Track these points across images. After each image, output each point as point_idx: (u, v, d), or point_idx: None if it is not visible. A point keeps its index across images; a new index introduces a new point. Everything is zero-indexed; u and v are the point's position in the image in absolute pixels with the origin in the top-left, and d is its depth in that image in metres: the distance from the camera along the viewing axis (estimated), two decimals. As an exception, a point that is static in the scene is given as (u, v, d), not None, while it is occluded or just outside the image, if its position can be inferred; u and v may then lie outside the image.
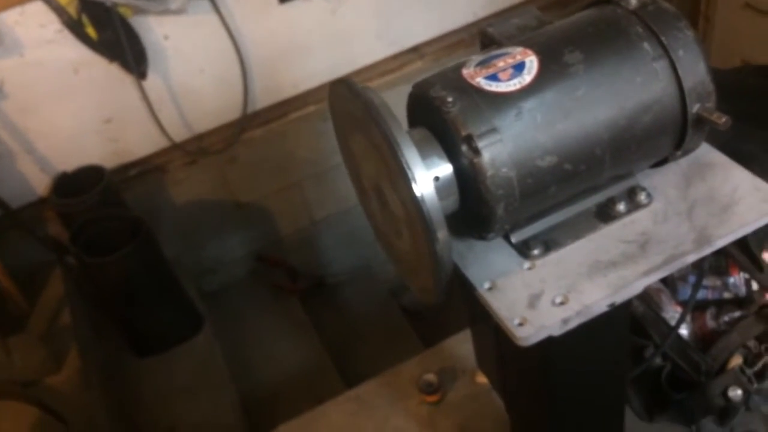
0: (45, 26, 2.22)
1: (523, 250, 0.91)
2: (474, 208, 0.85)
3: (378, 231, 1.00)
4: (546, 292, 0.87)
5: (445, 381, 1.96)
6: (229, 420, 2.34)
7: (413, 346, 2.78)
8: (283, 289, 2.94)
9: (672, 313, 1.67)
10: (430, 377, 1.94)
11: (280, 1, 2.50)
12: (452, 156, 0.84)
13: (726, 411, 1.64)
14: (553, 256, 0.91)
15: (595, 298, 0.85)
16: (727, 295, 1.68)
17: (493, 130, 0.81)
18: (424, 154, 0.82)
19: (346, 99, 0.84)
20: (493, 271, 0.91)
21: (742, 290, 1.67)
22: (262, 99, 2.71)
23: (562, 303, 0.85)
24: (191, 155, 2.64)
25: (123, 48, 2.29)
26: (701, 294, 1.71)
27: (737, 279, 1.67)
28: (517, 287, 0.88)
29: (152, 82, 2.47)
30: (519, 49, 0.87)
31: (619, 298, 0.86)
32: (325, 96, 2.81)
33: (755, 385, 1.60)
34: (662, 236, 0.89)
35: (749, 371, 1.60)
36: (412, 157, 0.76)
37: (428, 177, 0.77)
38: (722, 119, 0.84)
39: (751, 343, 1.60)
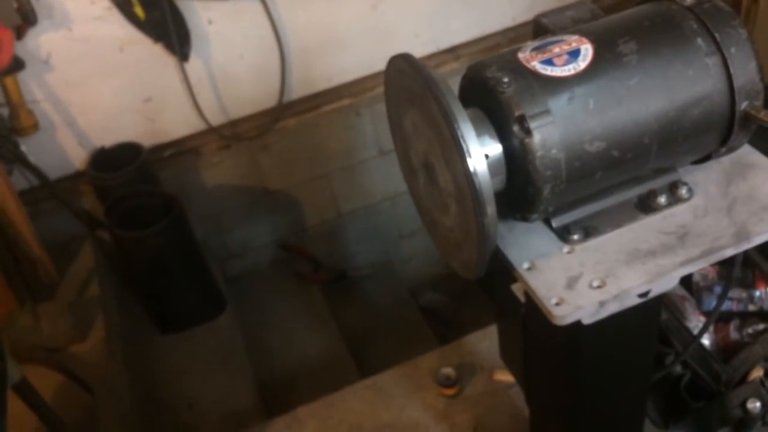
0: (95, 3, 2.27)
1: (564, 234, 0.94)
2: (521, 187, 0.87)
3: (422, 209, 1.03)
4: (584, 275, 0.89)
5: (463, 376, 1.98)
6: (246, 400, 2.37)
7: (429, 345, 2.79)
8: (305, 278, 2.97)
9: (695, 322, 1.69)
10: (449, 371, 1.96)
11: (324, -7, 2.54)
12: (502, 136, 0.86)
13: (743, 423, 1.64)
14: (593, 242, 0.93)
15: (632, 283, 0.87)
16: (752, 307, 1.69)
17: (546, 112, 0.83)
18: (477, 132, 0.84)
19: (405, 73, 0.87)
20: (533, 252, 0.93)
21: (767, 303, 1.68)
22: (297, 89, 2.75)
23: (599, 286, 0.87)
24: (226, 140, 2.69)
25: (168, 29, 2.34)
26: (726, 305, 1.72)
27: (763, 292, 1.68)
28: (556, 269, 0.91)
29: (193, 65, 2.51)
30: (575, 37, 0.89)
31: (656, 285, 0.88)
32: (358, 90, 2.84)
33: (775, 399, 1.61)
34: (701, 230, 0.92)
35: (770, 384, 1.61)
36: (467, 132, 0.78)
37: (481, 153, 0.79)
38: (770, 118, 0.86)
39: (774, 357, 1.62)
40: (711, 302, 1.71)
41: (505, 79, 0.84)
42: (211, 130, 2.65)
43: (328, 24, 2.65)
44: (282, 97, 2.68)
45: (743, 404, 1.59)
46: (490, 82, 0.86)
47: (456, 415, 1.92)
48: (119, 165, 2.40)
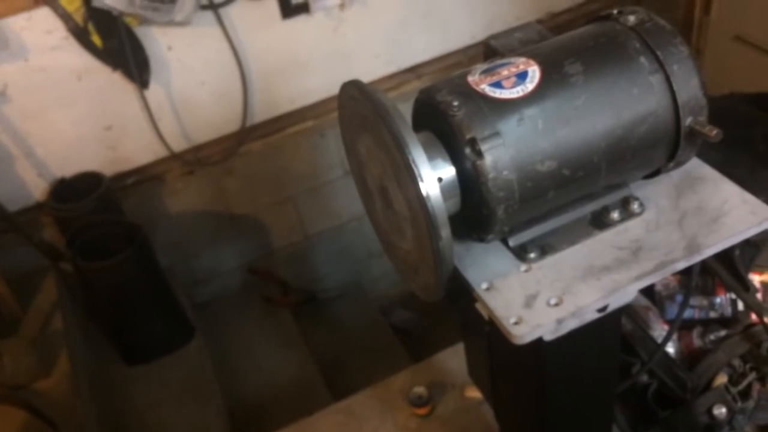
0: (51, 32, 2.25)
1: (520, 253, 0.95)
2: (475, 209, 0.88)
3: (380, 232, 1.03)
4: (541, 293, 0.90)
5: (434, 394, 1.98)
6: (217, 429, 2.34)
7: (402, 363, 2.79)
8: (274, 301, 2.95)
9: (659, 331, 1.71)
10: (420, 390, 1.96)
11: (283, 16, 2.55)
12: (455, 159, 0.87)
13: (710, 429, 1.66)
14: (549, 259, 0.94)
15: (588, 300, 0.88)
16: (713, 314, 1.72)
17: (496, 134, 0.84)
18: (429, 156, 0.85)
19: (357, 100, 0.88)
20: (491, 272, 0.94)
21: (728, 310, 1.71)
22: (261, 112, 2.75)
23: (556, 304, 0.88)
24: (189, 165, 2.67)
25: (127, 57, 2.33)
26: (688, 313, 1.74)
27: (723, 299, 1.71)
28: (514, 288, 0.91)
29: (154, 91, 2.50)
30: (522, 59, 0.91)
31: (612, 300, 0.89)
32: (322, 112, 2.85)
33: (739, 404, 1.63)
34: (654, 244, 0.93)
35: (734, 390, 1.63)
36: (419, 157, 0.79)
37: (434, 176, 0.80)
38: (713, 132, 0.88)
39: (736, 362, 1.64)
40: (674, 311, 1.73)
41: (455, 103, 0.85)
42: (173, 157, 2.63)
43: (289, 47, 2.66)
44: (245, 120, 2.67)
45: (709, 411, 1.61)
46: (441, 106, 0.87)
47: (429, 434, 1.92)
48: (80, 195, 2.37)
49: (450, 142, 0.87)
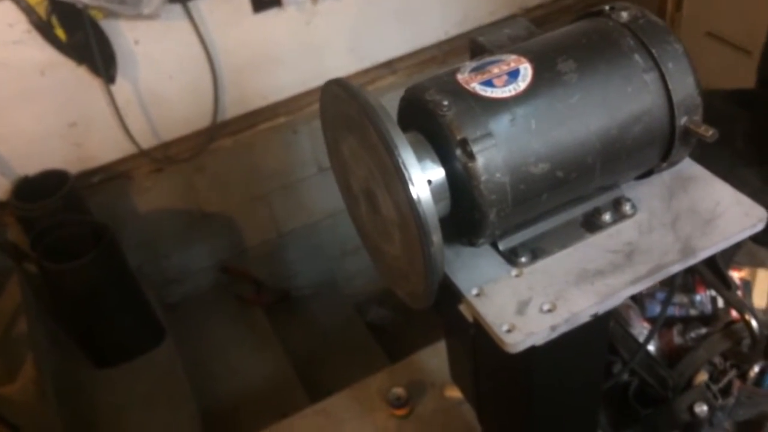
0: (13, 26, 2.16)
1: (511, 257, 0.92)
2: (466, 212, 0.84)
3: (365, 236, 1.00)
4: (534, 299, 0.87)
5: (413, 394, 1.95)
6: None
7: (378, 361, 2.76)
8: (247, 300, 2.90)
9: (640, 329, 1.70)
10: (399, 391, 1.93)
11: (254, 10, 2.49)
12: (445, 160, 0.84)
13: (691, 427, 1.66)
14: (541, 264, 0.91)
15: (582, 305, 0.85)
16: (693, 312, 1.71)
17: (488, 135, 0.81)
18: (418, 157, 0.81)
19: (341, 99, 0.83)
20: (481, 277, 0.90)
21: (708, 308, 1.70)
22: (231, 109, 2.68)
23: (549, 310, 0.85)
24: (158, 163, 2.60)
25: (92, 51, 2.25)
26: (669, 311, 1.74)
27: (703, 296, 1.70)
28: (505, 294, 0.88)
29: (120, 87, 2.42)
30: (513, 57, 0.87)
31: (606, 306, 0.87)
32: (295, 107, 2.79)
33: (720, 401, 1.63)
34: (647, 246, 0.91)
35: (714, 387, 1.63)
36: (409, 159, 0.75)
37: (423, 179, 0.76)
38: (709, 132, 0.86)
39: (717, 360, 1.63)
40: (654, 308, 1.72)
41: (445, 102, 0.82)
42: (141, 154, 2.55)
43: (261, 41, 2.59)
44: (216, 116, 2.61)
45: (690, 408, 1.60)
46: (430, 105, 0.83)
47: (408, 435, 1.89)
48: (45, 194, 2.29)
49: (439, 142, 0.83)
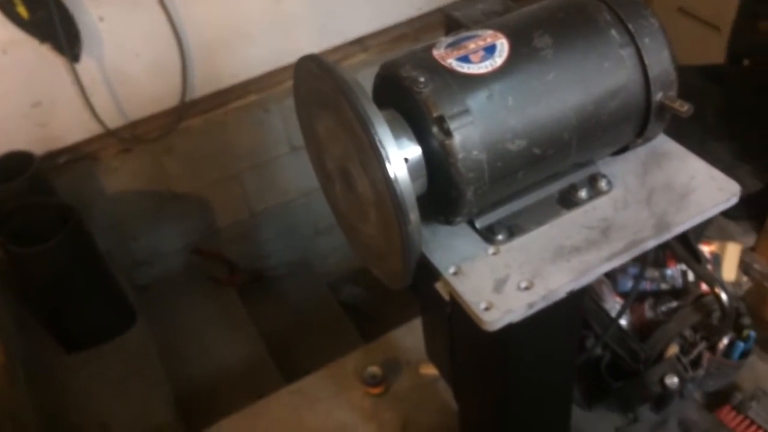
0: (-29, 2, 2.09)
1: (488, 235, 0.91)
2: (443, 191, 0.84)
3: (340, 216, 0.98)
4: (511, 276, 0.87)
5: (389, 373, 1.95)
6: (164, 416, 2.26)
7: (352, 340, 2.76)
8: (220, 282, 2.87)
9: (612, 303, 1.71)
10: (374, 369, 1.93)
11: (222, -14, 2.43)
12: (421, 138, 0.83)
13: (662, 398, 1.69)
14: (517, 241, 0.91)
15: (559, 282, 0.85)
16: (664, 286, 1.73)
17: (465, 112, 0.80)
18: (394, 135, 0.80)
19: (315, 76, 0.82)
20: (458, 256, 0.90)
21: (679, 281, 1.73)
22: (201, 87, 2.63)
23: (527, 288, 0.85)
24: (125, 143, 2.54)
25: (55, 29, 2.18)
26: (640, 285, 1.76)
27: (674, 271, 1.72)
28: (483, 272, 0.88)
29: (85, 65, 2.36)
30: (489, 32, 0.86)
31: (582, 282, 0.87)
32: (266, 85, 2.74)
33: (690, 373, 1.66)
34: (623, 222, 0.91)
35: (685, 360, 1.66)
36: (385, 137, 0.74)
37: (400, 157, 0.75)
38: (685, 107, 0.86)
39: (687, 333, 1.66)
40: (626, 283, 1.74)
41: (422, 79, 0.80)
42: (108, 134, 2.50)
43: (230, 18, 2.54)
44: (184, 95, 2.55)
45: (661, 380, 1.63)
46: (406, 82, 0.81)
47: (384, 413, 1.89)
48: (9, 176, 2.22)
49: (415, 120, 0.82)
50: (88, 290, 2.32)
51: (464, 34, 0.87)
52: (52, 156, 2.47)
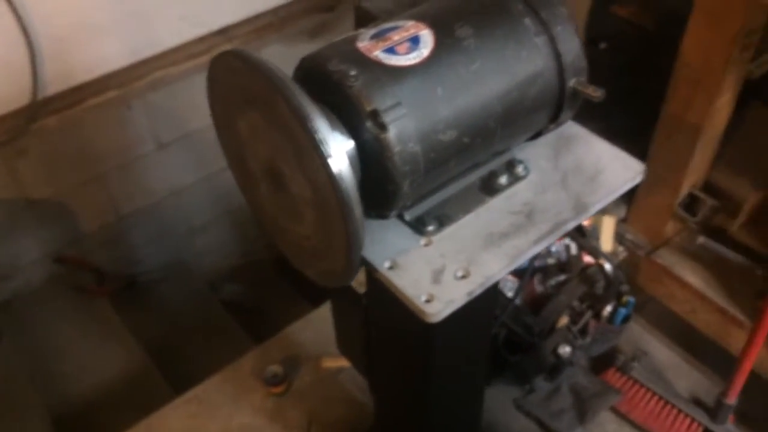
0: None
1: (419, 226, 0.91)
2: (377, 185, 0.82)
3: (265, 216, 0.94)
4: (447, 266, 0.87)
5: (289, 370, 1.92)
6: (41, 442, 2.09)
7: (239, 340, 2.69)
8: (88, 292, 2.67)
9: (505, 282, 1.78)
10: (275, 368, 1.89)
11: (73, -27, 2.25)
12: (354, 133, 0.81)
13: (555, 368, 1.79)
14: (448, 231, 0.92)
15: (494, 269, 0.87)
16: (551, 261, 1.83)
17: (398, 104, 0.79)
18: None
19: (240, 72, 0.77)
20: (392, 249, 0.89)
21: (563, 255, 1.83)
22: (54, 84, 2.42)
23: (464, 276, 0.86)
24: (-30, 148, 2.30)
25: None
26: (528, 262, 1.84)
27: (559, 245, 1.82)
28: (418, 264, 0.88)
29: None
30: (410, 23, 0.86)
31: (515, 266, 0.89)
32: (126, 80, 2.58)
33: (579, 341, 1.77)
34: (544, 205, 0.94)
35: (574, 329, 1.76)
36: (326, 132, 0.72)
37: (342, 154, 0.73)
38: (597, 92, 0.90)
39: (575, 303, 1.77)
40: (515, 261, 1.82)
41: (352, 72, 0.79)
42: (-50, 139, 2.24)
43: (82, 8, 2.35)
44: (36, 93, 2.34)
45: (555, 351, 1.73)
46: (335, 76, 0.79)
47: (288, 411, 1.86)
48: None
49: (347, 114, 0.80)
50: (-60, 314, 2.08)
51: (386, 25, 0.86)
52: None
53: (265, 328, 2.50)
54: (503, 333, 1.78)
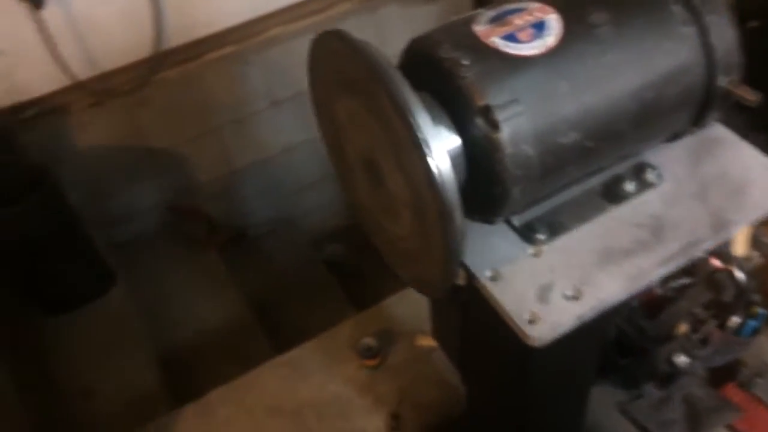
0: None
1: (528, 234, 0.82)
2: (485, 188, 0.74)
3: (362, 208, 0.88)
4: (556, 283, 0.78)
5: (383, 344, 1.88)
6: (148, 380, 2.17)
7: (337, 300, 2.70)
8: (199, 241, 2.75)
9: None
10: (369, 341, 1.86)
11: (199, -76, 2.24)
12: (461, 127, 0.72)
13: (669, 376, 1.65)
14: (560, 241, 0.82)
15: (610, 291, 0.77)
16: (673, 261, 1.67)
17: (515, 101, 0.69)
18: (432, 125, 0.69)
19: (340, 56, 0.70)
20: (495, 257, 0.81)
21: (689, 256, 1.66)
22: (175, 36, 2.45)
23: (574, 297, 0.77)
24: (96, 96, 2.37)
25: (16, -30, 1.99)
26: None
27: (684, 244, 1.66)
28: (524, 276, 0.79)
29: (50, 11, 2.16)
30: (536, 5, 0.75)
31: (635, 290, 0.78)
32: (244, 36, 2.57)
33: (698, 351, 1.61)
34: (676, 220, 0.82)
35: (694, 338, 1.61)
36: (428, 129, 0.64)
37: (445, 154, 0.65)
38: (753, 96, 0.76)
39: (697, 310, 1.61)
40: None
41: (465, 61, 0.70)
42: (78, 85, 2.32)
43: (205, -39, 2.36)
44: (158, 45, 2.38)
45: (669, 359, 1.59)
46: (446, 64, 0.71)
47: (380, 386, 1.83)
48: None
49: (455, 107, 0.72)
50: (64, 253, 2.20)
51: (507, 6, 0.76)
52: (17, 109, 2.29)
53: (362, 292, 2.48)
54: (614, 334, 1.66)
